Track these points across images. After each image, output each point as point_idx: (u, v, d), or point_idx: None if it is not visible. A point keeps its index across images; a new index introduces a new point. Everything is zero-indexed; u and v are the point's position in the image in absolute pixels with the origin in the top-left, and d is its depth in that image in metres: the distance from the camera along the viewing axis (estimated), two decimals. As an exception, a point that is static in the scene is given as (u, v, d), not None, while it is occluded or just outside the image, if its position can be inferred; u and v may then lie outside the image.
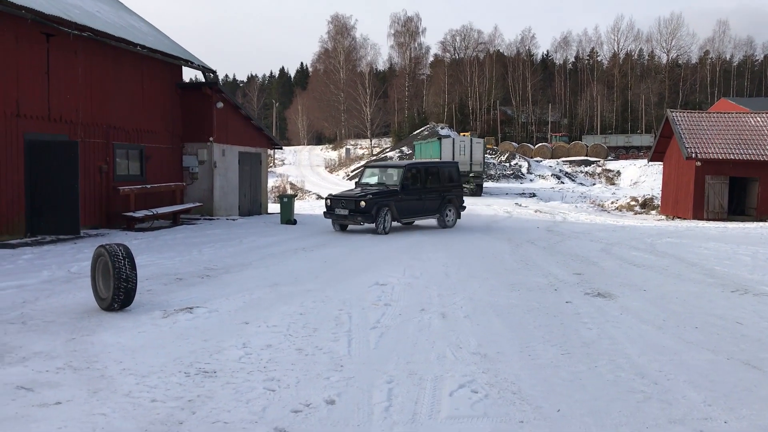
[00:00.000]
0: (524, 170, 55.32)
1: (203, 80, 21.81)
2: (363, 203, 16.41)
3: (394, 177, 17.94)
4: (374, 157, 64.65)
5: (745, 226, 22.91)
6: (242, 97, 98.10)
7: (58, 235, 14.54)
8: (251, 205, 23.61)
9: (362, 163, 65.14)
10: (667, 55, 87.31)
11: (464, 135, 59.38)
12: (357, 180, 18.43)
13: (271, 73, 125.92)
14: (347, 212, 16.71)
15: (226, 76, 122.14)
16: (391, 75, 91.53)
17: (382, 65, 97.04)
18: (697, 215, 27.24)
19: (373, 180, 18.43)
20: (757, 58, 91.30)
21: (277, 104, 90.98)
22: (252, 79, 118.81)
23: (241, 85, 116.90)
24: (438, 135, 55.89)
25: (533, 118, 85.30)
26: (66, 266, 10.58)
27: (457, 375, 5.37)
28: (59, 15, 14.25)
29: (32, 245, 13.13)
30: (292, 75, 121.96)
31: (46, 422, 4.26)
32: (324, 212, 17.70)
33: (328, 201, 17.42)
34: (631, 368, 5.65)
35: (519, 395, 4.94)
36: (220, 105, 20.88)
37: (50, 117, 14.93)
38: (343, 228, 17.45)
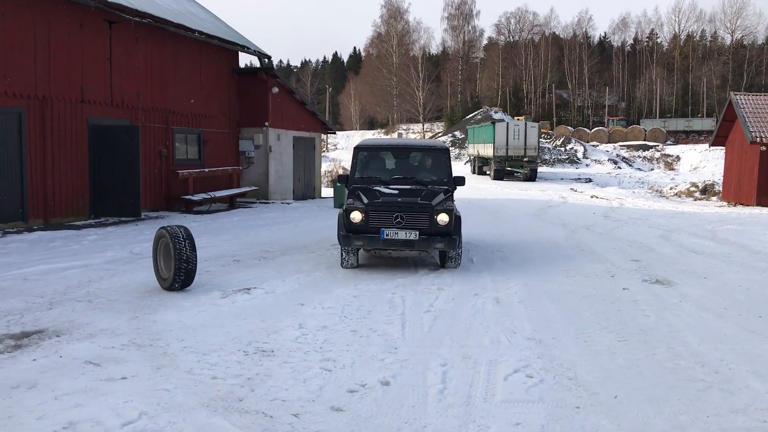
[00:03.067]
0: (580, 155, 54.31)
1: (259, 65, 22.07)
2: (445, 216, 9.01)
3: (436, 166, 10.43)
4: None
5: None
6: (296, 82, 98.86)
7: (120, 217, 15.00)
8: (305, 189, 23.89)
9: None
10: (732, 35, 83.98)
11: (518, 119, 58.67)
12: (349, 174, 10.26)
13: (325, 58, 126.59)
14: (416, 235, 8.88)
15: (281, 61, 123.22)
16: (444, 59, 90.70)
17: (435, 49, 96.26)
18: (762, 202, 26.27)
19: (383, 174, 10.31)
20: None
21: (330, 89, 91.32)
22: (306, 64, 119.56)
23: (294, 70, 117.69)
24: (491, 119, 55.30)
25: (590, 102, 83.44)
26: (128, 247, 10.92)
27: (512, 360, 5.36)
28: (121, 2, 14.61)
29: (96, 227, 13.59)
30: (345, 60, 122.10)
31: (113, 395, 4.44)
32: (344, 235, 9.06)
33: (361, 214, 9.02)
34: (690, 356, 5.54)
35: (575, 381, 4.90)
36: (275, 90, 21.12)
37: (112, 102, 15.37)
38: (355, 261, 9.42)
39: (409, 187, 9.84)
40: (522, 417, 4.22)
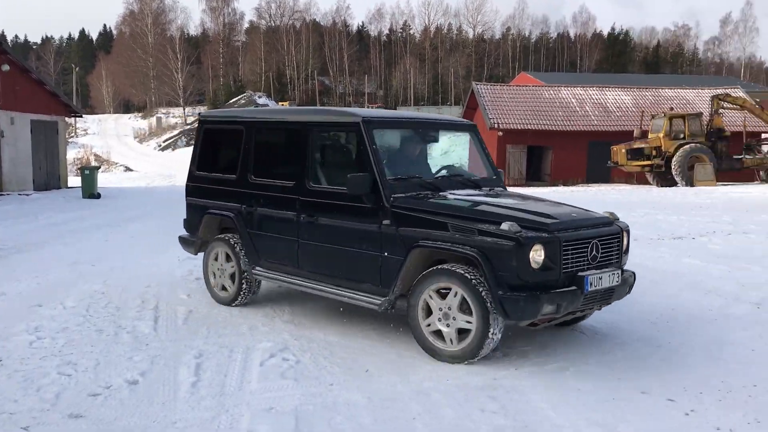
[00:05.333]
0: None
1: (-15, 39, 19.54)
2: (628, 239, 5.49)
3: (473, 151, 6.64)
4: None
5: (541, 191, 25.00)
6: (36, 60, 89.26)
7: None
8: (48, 178, 21.75)
9: (177, 131, 62.24)
10: (474, 30, 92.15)
11: (282, 104, 58.92)
12: (370, 174, 5.27)
13: (70, 35, 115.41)
14: (618, 277, 5.12)
15: (16, 36, 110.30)
16: (204, 41, 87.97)
17: (194, 30, 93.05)
18: (501, 182, 29.23)
19: (418, 168, 5.88)
20: (551, 35, 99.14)
21: (77, 69, 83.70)
22: (47, 41, 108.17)
23: (34, 47, 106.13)
24: (255, 104, 54.83)
25: (350, 89, 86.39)
26: None
27: (269, 344, 5.33)
28: None
29: None
30: (95, 38, 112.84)
31: None
32: (524, 299, 4.55)
33: (545, 251, 4.62)
34: (435, 326, 5.93)
35: (330, 359, 5.01)
36: (5, 68, 18.88)
37: None
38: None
39: (478, 191, 5.84)
40: (276, 401, 4.21)
